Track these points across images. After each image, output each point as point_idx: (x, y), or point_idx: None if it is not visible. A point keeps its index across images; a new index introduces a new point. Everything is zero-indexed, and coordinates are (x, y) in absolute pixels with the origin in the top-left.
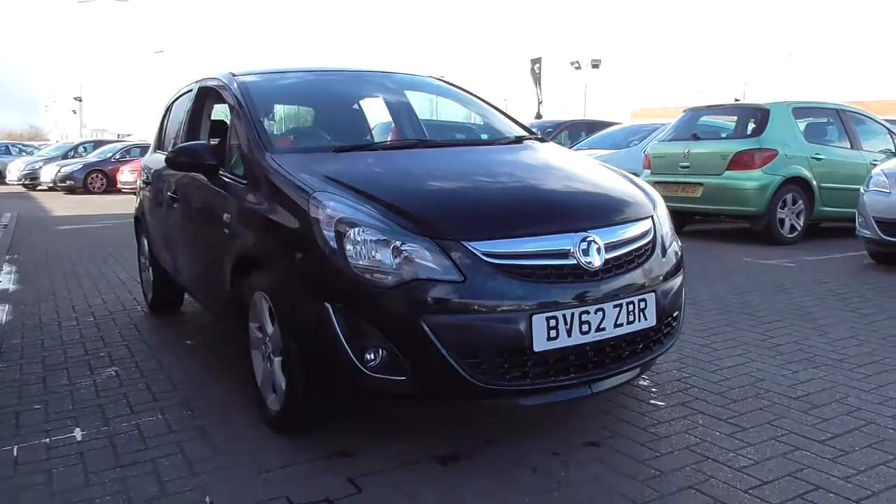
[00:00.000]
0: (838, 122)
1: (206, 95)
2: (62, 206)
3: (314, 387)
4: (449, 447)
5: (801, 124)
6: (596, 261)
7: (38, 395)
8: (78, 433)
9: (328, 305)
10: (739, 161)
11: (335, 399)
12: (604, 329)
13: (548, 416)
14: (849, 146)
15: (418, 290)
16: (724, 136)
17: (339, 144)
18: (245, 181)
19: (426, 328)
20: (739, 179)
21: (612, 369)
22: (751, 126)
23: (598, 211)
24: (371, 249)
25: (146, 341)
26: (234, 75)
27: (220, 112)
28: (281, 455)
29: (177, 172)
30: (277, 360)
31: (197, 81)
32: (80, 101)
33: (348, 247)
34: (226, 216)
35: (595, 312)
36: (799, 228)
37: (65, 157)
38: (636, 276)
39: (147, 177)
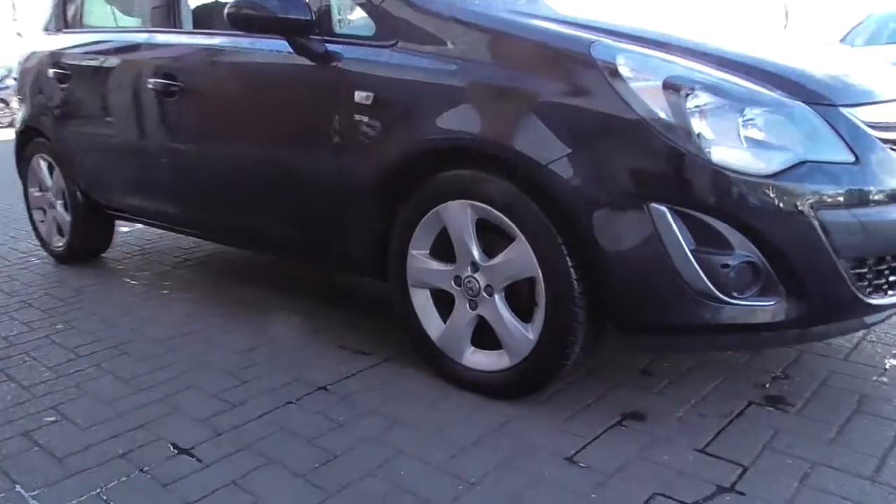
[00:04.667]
0: None
1: None
2: None
3: (629, 326)
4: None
5: None
6: None
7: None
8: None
9: (663, 208)
10: None
11: (656, 341)
12: None
13: None
14: None
15: (808, 178)
16: None
17: None
18: (391, 42)
19: (819, 230)
20: None
21: None
22: None
23: None
24: (727, 121)
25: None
26: None
27: None
28: (559, 431)
29: (166, 50)
30: (498, 297)
31: None
32: None
33: (694, 120)
34: (362, 95)
35: None
36: None
37: None
38: None
39: (58, 69)
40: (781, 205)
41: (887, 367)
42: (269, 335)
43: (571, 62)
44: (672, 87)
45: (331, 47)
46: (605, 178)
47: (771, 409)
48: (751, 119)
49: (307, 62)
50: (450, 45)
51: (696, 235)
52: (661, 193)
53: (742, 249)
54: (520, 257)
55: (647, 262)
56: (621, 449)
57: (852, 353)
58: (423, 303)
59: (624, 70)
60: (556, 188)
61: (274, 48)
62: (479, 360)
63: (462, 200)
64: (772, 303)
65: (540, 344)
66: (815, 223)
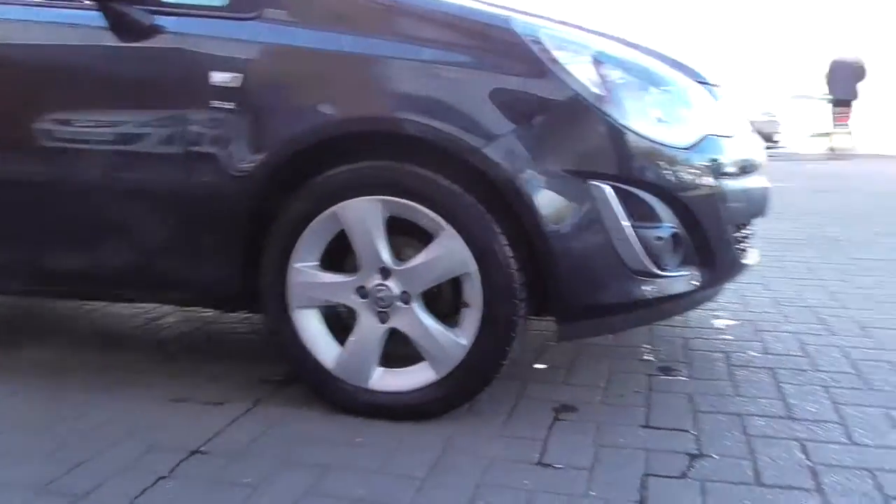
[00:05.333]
0: None
1: None
2: None
3: (569, 312)
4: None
5: None
6: None
7: None
8: None
9: (603, 185)
10: None
11: (589, 324)
12: None
13: None
14: None
15: (711, 149)
16: None
17: None
18: (252, 13)
19: (720, 199)
20: None
21: None
22: None
23: None
24: (645, 97)
25: None
26: None
27: None
28: (509, 443)
29: None
30: (416, 304)
31: None
32: None
33: (623, 95)
34: (225, 78)
35: None
36: None
37: None
38: None
39: None
40: (698, 175)
41: (715, 325)
42: (68, 401)
43: (494, 37)
44: (599, 62)
45: (165, 21)
46: (544, 158)
47: (669, 377)
48: (663, 95)
49: (132, 41)
50: (343, 17)
51: (632, 211)
52: (600, 170)
53: (668, 222)
54: (449, 254)
55: (591, 242)
56: (578, 442)
57: (677, 318)
58: (311, 326)
59: (550, 46)
60: (493, 173)
61: (74, 21)
62: (391, 381)
63: (369, 196)
64: (689, 272)
65: (475, 348)
66: (718, 192)
